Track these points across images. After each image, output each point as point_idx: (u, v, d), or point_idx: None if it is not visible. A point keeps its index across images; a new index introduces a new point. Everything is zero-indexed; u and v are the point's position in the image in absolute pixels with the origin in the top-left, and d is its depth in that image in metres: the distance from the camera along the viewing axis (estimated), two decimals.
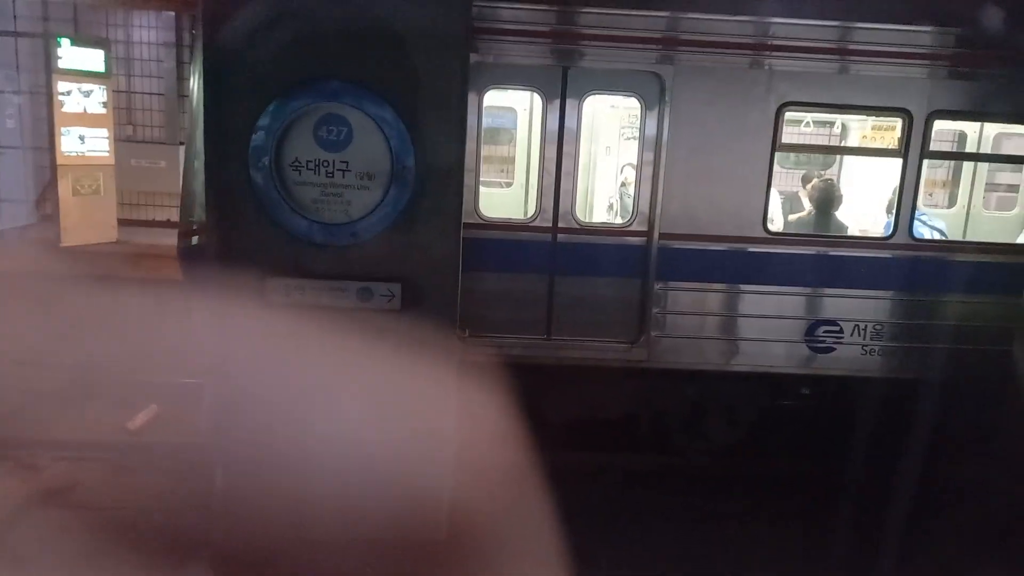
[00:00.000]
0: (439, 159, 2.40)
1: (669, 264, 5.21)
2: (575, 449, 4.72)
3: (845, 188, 6.54)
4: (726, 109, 5.05)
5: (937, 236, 6.03)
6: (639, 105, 5.04)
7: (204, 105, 2.40)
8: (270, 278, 2.41)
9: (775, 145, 5.19)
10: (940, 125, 5.72)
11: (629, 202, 5.37)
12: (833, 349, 5.47)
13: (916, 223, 5.67)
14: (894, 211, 5.45)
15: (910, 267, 5.45)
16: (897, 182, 5.41)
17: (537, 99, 5.06)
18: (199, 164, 5.10)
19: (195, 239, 4.36)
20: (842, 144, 7.32)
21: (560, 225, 5.05)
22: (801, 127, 6.78)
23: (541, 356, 5.14)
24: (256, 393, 2.41)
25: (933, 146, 5.45)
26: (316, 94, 2.34)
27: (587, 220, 5.58)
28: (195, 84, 5.08)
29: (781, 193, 6.52)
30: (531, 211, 5.08)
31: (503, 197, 5.86)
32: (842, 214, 6.12)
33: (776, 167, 5.34)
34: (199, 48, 5.25)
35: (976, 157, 6.75)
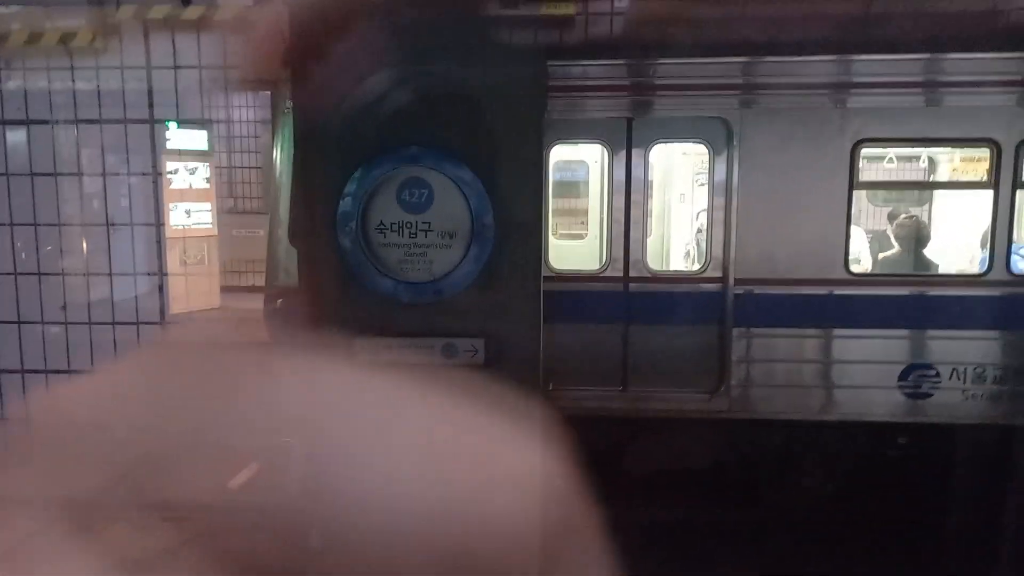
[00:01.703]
0: (517, 215, 2.45)
1: (747, 310, 5.07)
2: (657, 504, 4.68)
3: (936, 225, 6.27)
4: (797, 150, 4.94)
5: None
6: (707, 151, 5.02)
7: (293, 175, 2.53)
8: (359, 338, 2.49)
9: (852, 184, 5.02)
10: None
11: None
12: (930, 395, 5.13)
13: (1015, 257, 5.36)
14: (988, 246, 5.08)
15: (1009, 304, 5.08)
16: (989, 216, 5.12)
17: (604, 151, 5.11)
18: (282, 232, 5.36)
19: (279, 302, 4.56)
20: (929, 180, 6.99)
21: (632, 274, 5.03)
22: (885, 163, 6.55)
23: (618, 408, 5.07)
24: (346, 450, 2.49)
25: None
26: (398, 159, 2.44)
27: (659, 268, 5.50)
28: (277, 156, 5.36)
29: (866, 233, 6.28)
30: (602, 262, 5.07)
31: (578, 249, 5.90)
32: (932, 252, 5.85)
33: (857, 206, 5.16)
34: (282, 122, 5.56)
35: None
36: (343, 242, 2.48)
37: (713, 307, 5.01)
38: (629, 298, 4.92)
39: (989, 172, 5.16)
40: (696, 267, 5.25)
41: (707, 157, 4.95)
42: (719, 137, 4.98)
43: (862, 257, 5.86)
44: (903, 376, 5.17)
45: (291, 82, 2.76)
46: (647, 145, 5.01)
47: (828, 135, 5.02)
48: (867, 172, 6.25)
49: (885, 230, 6.33)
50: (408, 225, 2.47)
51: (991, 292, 5.16)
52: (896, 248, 5.90)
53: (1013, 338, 5.14)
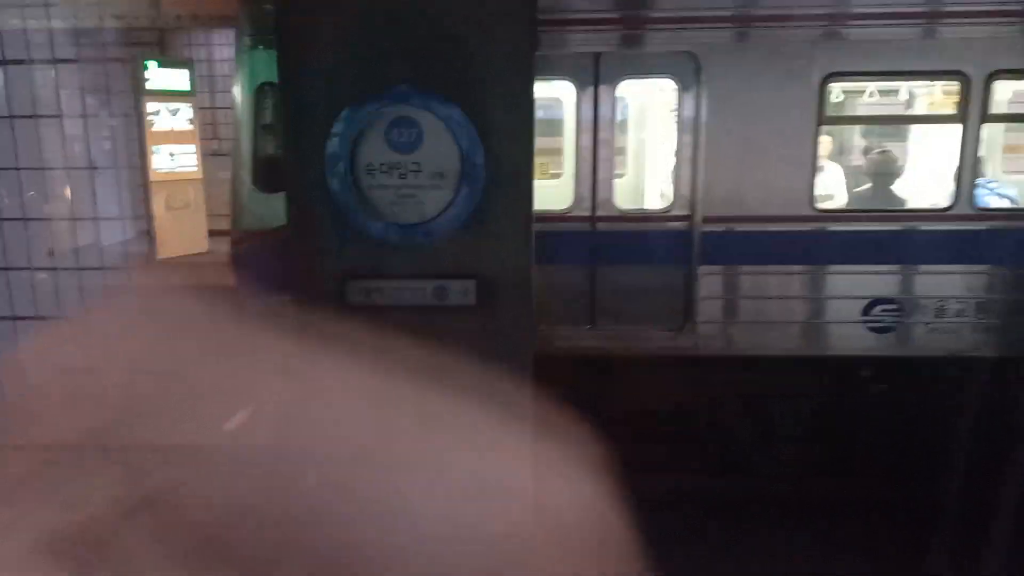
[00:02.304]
0: (508, 156, 2.42)
1: (713, 248, 5.05)
2: (627, 441, 4.73)
3: (906, 159, 6.17)
4: (765, 85, 4.86)
5: (1007, 205, 5.65)
6: (675, 86, 4.92)
7: (282, 116, 2.49)
8: (350, 280, 2.48)
9: (820, 119, 4.92)
10: (1003, 86, 5.36)
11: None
12: (892, 328, 5.13)
13: (980, 192, 5.29)
14: (954, 180, 5.05)
15: (972, 239, 5.10)
16: (957, 150, 4.98)
17: (572, 88, 4.99)
18: (245, 174, 5.24)
19: (245, 246, 4.47)
20: (898, 114, 6.82)
21: (599, 214, 4.96)
22: (863, 97, 6.46)
23: (587, 347, 5.07)
24: (337, 392, 2.49)
25: (995, 109, 5.05)
26: (386, 98, 2.40)
27: (628, 207, 5.41)
28: (237, 95, 5.19)
29: (836, 168, 6.19)
30: (570, 201, 4.98)
31: (553, 189, 5.80)
32: (901, 187, 5.74)
33: (827, 140, 5.07)
34: (242, 60, 5.37)
35: None
36: (332, 183, 2.45)
37: (680, 246, 4.97)
38: (596, 237, 4.89)
39: (958, 105, 5.07)
40: (664, 206, 5.19)
41: (675, 93, 4.90)
42: (687, 72, 4.87)
43: (829, 193, 5.81)
44: (867, 311, 5.20)
45: (275, 21, 2.68)
46: (614, 81, 4.89)
47: (796, 69, 4.92)
48: (837, 107, 6.19)
49: (856, 165, 6.36)
50: (398, 165, 2.44)
51: (955, 227, 5.11)
52: (866, 184, 5.87)
53: (975, 272, 5.16)
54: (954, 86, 5.07)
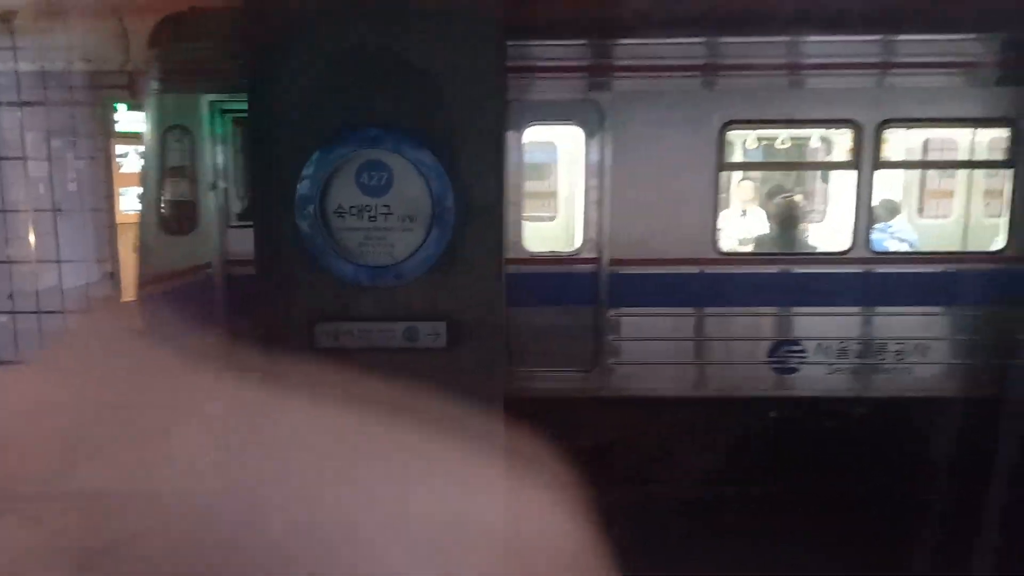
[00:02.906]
0: (478, 197, 2.44)
1: (620, 289, 5.17)
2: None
3: (807, 204, 6.40)
4: (667, 132, 5.03)
5: (905, 248, 5.82)
6: (581, 133, 5.07)
7: (252, 157, 2.48)
8: (319, 322, 2.46)
9: (720, 164, 5.01)
10: (894, 134, 5.60)
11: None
12: (797, 369, 5.23)
13: (878, 235, 5.48)
14: (851, 224, 5.21)
15: (869, 281, 5.22)
16: (853, 195, 5.16)
17: None
18: (151, 217, 5.32)
19: (152, 288, 4.51)
20: (797, 160, 7.04)
21: (508, 256, 5.10)
22: (763, 144, 6.69)
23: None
24: (304, 435, 2.45)
25: (887, 155, 5.32)
26: (357, 141, 2.41)
27: (536, 250, 5.52)
28: (144, 135, 5.27)
29: (740, 212, 6.38)
30: None
31: None
32: (803, 231, 5.87)
33: (730, 186, 5.27)
34: (149, 102, 5.46)
35: (932, 165, 6.73)
36: (302, 226, 2.44)
37: (588, 288, 5.08)
38: (507, 279, 4.95)
39: (851, 153, 5.21)
40: (572, 249, 5.29)
41: (582, 139, 5.02)
42: (591, 119, 5.03)
43: (733, 236, 5.99)
44: (772, 352, 5.26)
45: (247, 64, 2.70)
46: (521, 127, 5.03)
47: (696, 117, 5.09)
48: (737, 153, 6.39)
49: (759, 210, 6.40)
50: (368, 208, 2.44)
51: (853, 269, 5.26)
52: (769, 228, 5.97)
53: (873, 314, 5.30)
54: (848, 134, 5.30)
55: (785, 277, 5.29)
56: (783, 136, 6.71)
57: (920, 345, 5.27)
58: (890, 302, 5.29)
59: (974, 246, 6.02)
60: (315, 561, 2.34)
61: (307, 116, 2.44)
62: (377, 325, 2.46)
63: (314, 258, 2.45)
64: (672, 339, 5.30)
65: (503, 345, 2.53)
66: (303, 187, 2.42)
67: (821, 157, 6.78)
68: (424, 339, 2.45)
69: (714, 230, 5.16)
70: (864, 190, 5.16)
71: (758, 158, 7.00)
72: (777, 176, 7.21)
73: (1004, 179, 5.37)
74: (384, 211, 2.43)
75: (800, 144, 6.90)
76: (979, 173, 6.35)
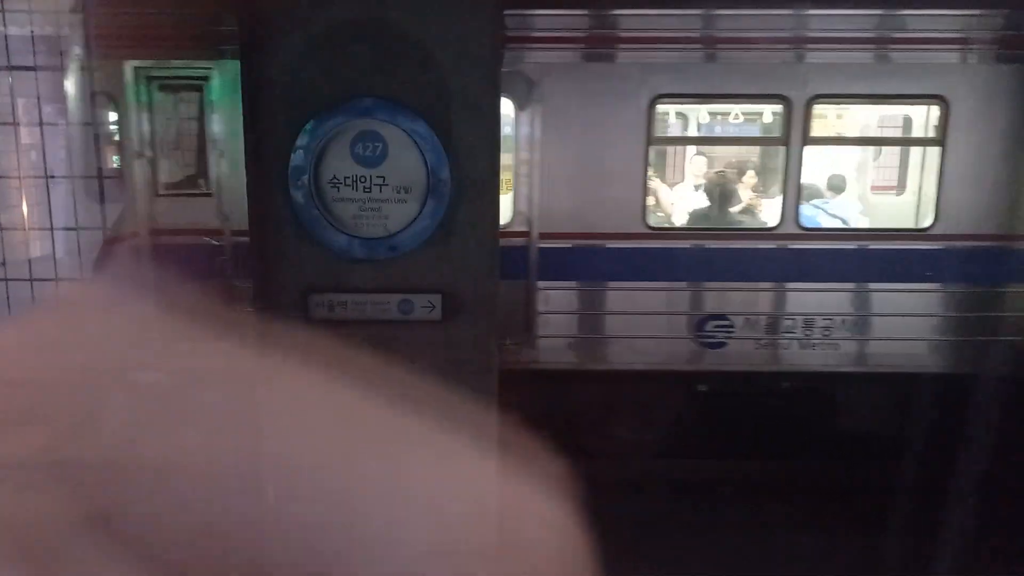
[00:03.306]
0: (473, 170, 2.42)
1: (549, 264, 5.19)
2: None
3: (740, 180, 6.22)
4: (596, 105, 5.00)
5: (837, 225, 5.83)
6: (511, 105, 5.03)
7: (244, 127, 2.45)
8: (312, 294, 2.45)
9: (649, 139, 5.01)
10: (824, 110, 5.59)
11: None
12: (725, 344, 5.26)
13: (812, 212, 5.54)
14: (780, 200, 5.23)
15: (798, 257, 5.23)
16: (782, 171, 5.18)
17: None
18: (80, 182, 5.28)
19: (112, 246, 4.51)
20: (727, 135, 7.06)
21: None
22: (693, 118, 6.65)
23: None
24: (297, 407, 2.46)
25: (816, 132, 5.32)
26: (351, 112, 2.38)
27: None
28: (71, 103, 5.21)
29: (668, 187, 6.42)
30: None
31: None
32: (734, 206, 5.89)
33: (659, 159, 5.26)
34: (75, 69, 5.39)
35: (862, 142, 6.60)
36: (296, 196, 2.42)
37: (519, 261, 5.08)
38: None
39: (781, 128, 5.16)
40: (503, 222, 5.30)
41: (512, 112, 4.94)
42: (520, 91, 4.99)
43: (662, 211, 6.00)
44: (700, 327, 5.29)
45: (239, 32, 2.66)
46: None
47: (625, 90, 5.02)
48: (667, 127, 6.34)
49: (692, 185, 6.36)
50: (362, 179, 2.42)
51: (781, 245, 5.27)
52: (700, 202, 5.96)
53: (801, 289, 5.31)
54: (778, 109, 5.25)
55: (714, 252, 5.30)
56: (718, 111, 6.68)
57: (847, 321, 5.32)
58: (818, 278, 5.30)
59: (906, 223, 5.96)
60: (303, 535, 2.37)
61: (300, 85, 2.40)
62: (371, 297, 2.45)
63: (308, 229, 2.43)
64: (601, 313, 5.28)
65: (496, 319, 2.53)
66: (297, 157, 2.40)
67: (754, 133, 6.77)
68: (419, 312, 2.44)
69: (643, 205, 5.14)
70: (794, 166, 5.13)
71: (691, 133, 6.98)
72: (718, 152, 7.13)
73: (934, 157, 5.40)
74: (379, 182, 2.42)
75: (735, 119, 6.86)
76: (914, 152, 6.32)
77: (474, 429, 2.48)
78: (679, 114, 6.82)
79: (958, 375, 5.19)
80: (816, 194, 6.12)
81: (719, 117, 7.06)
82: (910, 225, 5.72)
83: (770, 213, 5.68)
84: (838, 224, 5.85)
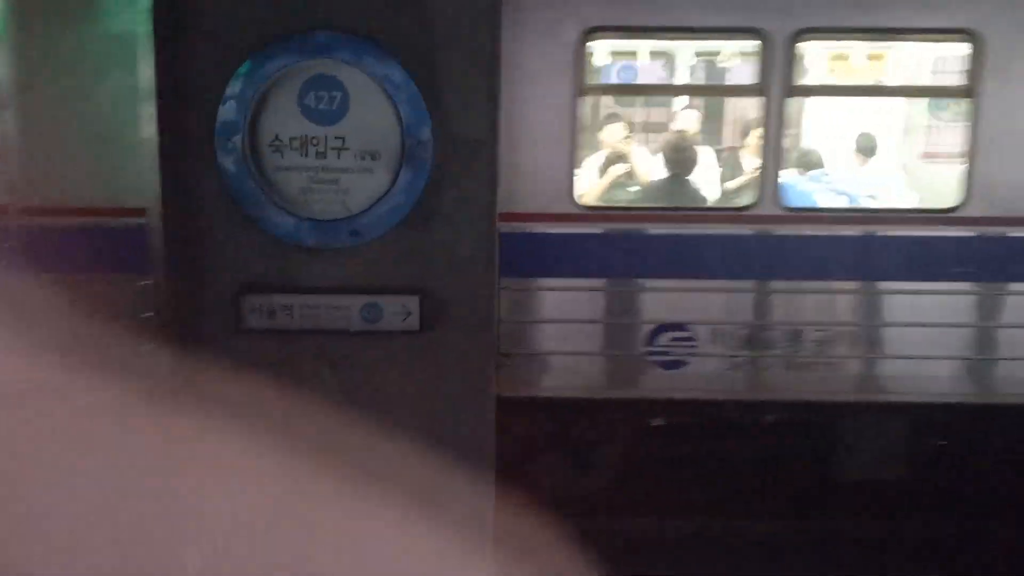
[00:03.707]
0: (465, 131, 1.84)
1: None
2: None
3: (703, 144, 4.93)
4: (507, 40, 3.96)
5: (845, 203, 4.61)
6: None
7: (155, 70, 1.83)
8: (246, 295, 1.84)
9: (580, 88, 3.85)
10: (813, 49, 4.64)
11: None
12: (685, 363, 4.07)
13: (804, 186, 4.43)
14: (758, 170, 3.98)
15: (781, 247, 4.02)
16: (759, 130, 3.98)
17: None
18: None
19: None
20: (685, 84, 5.59)
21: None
22: (639, 62, 5.25)
23: None
24: (228, 448, 1.85)
25: (803, 78, 4.22)
26: (301, 49, 1.79)
27: None
28: None
29: (605, 154, 4.85)
30: None
31: None
32: (697, 178, 4.53)
33: (592, 116, 4.25)
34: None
35: (865, 92, 5.14)
36: (224, 163, 1.82)
37: None
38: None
39: (758, 72, 3.93)
40: None
41: None
42: None
43: (597, 184, 4.65)
44: (650, 340, 4.03)
45: None
46: None
47: (545, 21, 3.83)
48: (604, 73, 5.06)
49: (639, 149, 4.99)
50: (314, 141, 1.82)
51: (760, 230, 4.04)
52: (651, 174, 4.65)
53: (787, 290, 4.09)
54: (752, 47, 4.04)
55: (668, 240, 4.06)
56: (673, 50, 5.34)
57: (850, 333, 4.16)
58: (810, 275, 4.07)
59: (924, 202, 4.79)
60: None
61: (232, 13, 1.81)
62: (326, 300, 1.86)
63: (241, 208, 1.85)
64: (514, 321, 4.03)
65: (493, 329, 1.93)
66: (226, 111, 1.81)
67: (720, 80, 5.47)
68: (389, 319, 1.85)
69: (570, 176, 3.94)
70: (773, 124, 3.90)
71: (630, 79, 5.56)
72: (676, 106, 5.61)
73: (963, 113, 4.16)
74: (336, 145, 1.83)
75: (700, 62, 5.62)
76: (933, 105, 5.17)
77: (467, 470, 1.82)
78: (619, 53, 5.48)
79: (1004, 406, 4.16)
80: (814, 162, 4.86)
81: (676, 59, 5.63)
82: (932, 205, 4.54)
83: (745, 188, 4.45)
84: (844, 202, 4.62)
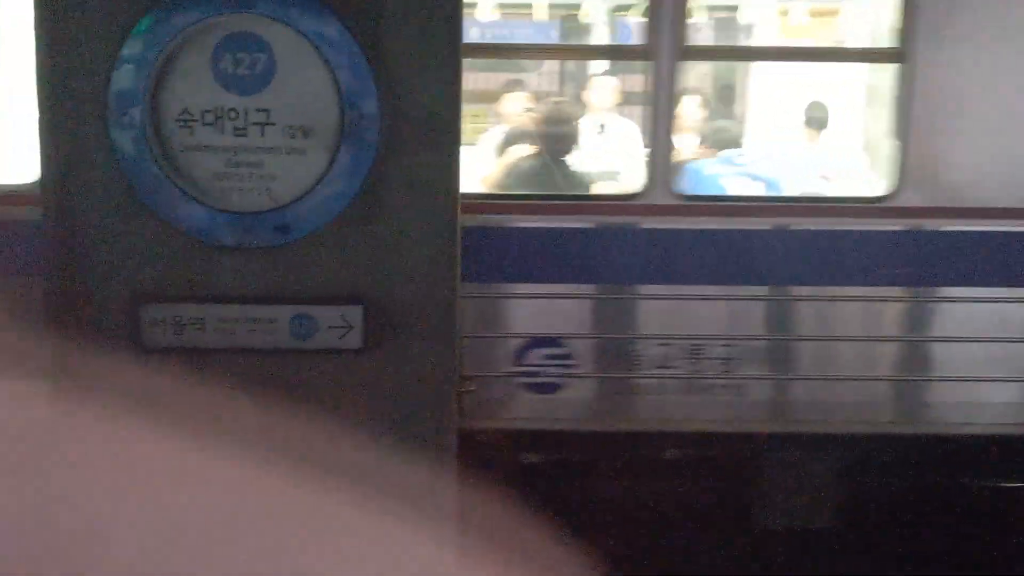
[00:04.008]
0: (420, 102, 1.52)
1: None
2: None
3: (585, 116, 4.24)
4: None
5: (762, 191, 3.97)
6: None
7: (35, 26, 1.49)
8: (146, 305, 1.50)
9: None
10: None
11: None
12: (557, 386, 3.48)
13: (711, 170, 3.81)
14: (645, 152, 3.41)
15: (676, 244, 3.42)
16: (650, 101, 3.40)
17: None
18: None
19: None
20: (547, 44, 4.98)
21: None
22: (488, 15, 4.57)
23: None
24: (127, 490, 1.52)
25: (696, 38, 3.62)
26: (213, 1, 1.46)
27: None
28: None
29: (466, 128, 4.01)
30: None
31: None
32: (572, 160, 3.89)
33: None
34: None
35: (773, 55, 4.41)
36: (120, 142, 1.51)
37: None
38: None
39: (645, 30, 3.38)
40: None
41: None
42: None
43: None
44: (518, 357, 3.42)
45: None
46: None
47: None
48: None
49: (494, 124, 4.31)
50: (232, 115, 1.51)
51: (648, 224, 3.40)
52: (518, 153, 3.93)
53: (677, 296, 3.44)
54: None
55: (534, 236, 3.45)
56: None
57: (760, 349, 3.54)
58: (711, 277, 3.45)
59: (849, 191, 4.13)
60: None
61: None
62: (247, 311, 1.55)
63: (140, 196, 1.53)
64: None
65: (455, 344, 1.61)
66: (121, 77, 1.50)
67: (596, 40, 4.78)
68: (325, 335, 1.54)
69: None
70: (663, 93, 3.31)
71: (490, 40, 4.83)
72: (544, 71, 5.00)
73: (891, 81, 3.52)
74: (260, 119, 1.52)
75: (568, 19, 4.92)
76: (860, 73, 4.40)
77: (426, 510, 1.52)
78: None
79: (950, 438, 3.53)
80: (728, 141, 4.20)
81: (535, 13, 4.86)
82: (856, 193, 3.93)
83: (629, 172, 3.81)
84: (761, 189, 3.97)
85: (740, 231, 3.44)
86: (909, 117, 3.35)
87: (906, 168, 3.39)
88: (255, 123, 1.50)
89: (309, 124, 1.51)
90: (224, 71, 1.50)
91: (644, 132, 3.42)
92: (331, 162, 1.50)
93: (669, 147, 3.34)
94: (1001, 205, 3.40)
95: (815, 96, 4.40)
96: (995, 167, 3.41)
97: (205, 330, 1.52)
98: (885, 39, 3.69)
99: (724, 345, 3.41)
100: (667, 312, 3.45)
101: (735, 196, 3.78)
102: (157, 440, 1.51)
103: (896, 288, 3.53)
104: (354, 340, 1.53)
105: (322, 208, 1.51)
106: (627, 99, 4.23)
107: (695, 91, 3.85)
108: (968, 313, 3.53)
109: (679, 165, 3.55)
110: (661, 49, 3.26)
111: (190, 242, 1.52)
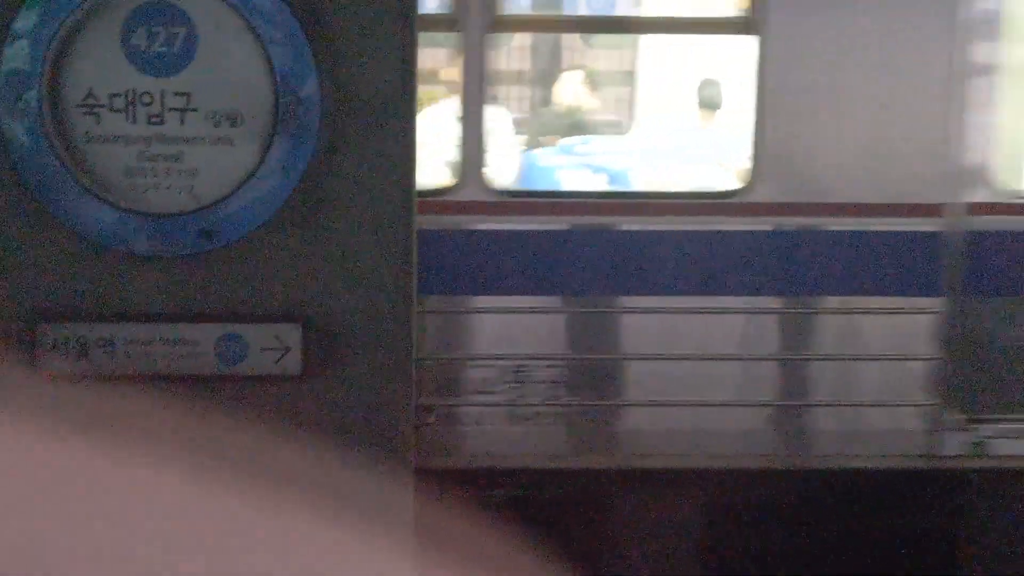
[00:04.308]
0: (369, 84, 1.32)
1: None
2: None
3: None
4: None
5: (603, 185, 3.53)
6: None
7: None
8: (44, 324, 1.29)
9: None
10: None
11: None
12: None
13: (529, 161, 3.44)
14: (457, 140, 3.01)
15: (490, 247, 3.01)
16: (460, 80, 3.03)
17: None
18: None
19: None
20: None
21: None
22: None
23: None
24: (27, 541, 1.32)
25: (508, 6, 3.20)
26: None
27: None
28: None
29: None
30: None
31: None
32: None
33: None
34: None
35: (605, 27, 3.92)
36: (12, 131, 1.29)
37: None
38: None
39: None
40: None
41: None
42: None
43: None
44: None
45: None
46: None
47: None
48: None
49: None
50: (146, 99, 1.30)
51: (457, 224, 2.97)
52: None
53: (492, 309, 3.01)
54: None
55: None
56: None
57: (596, 369, 3.07)
58: (533, 287, 3.00)
59: (696, 185, 3.69)
60: None
61: None
62: (164, 330, 1.33)
63: (36, 196, 1.32)
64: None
65: (411, 367, 1.40)
66: (13, 55, 1.29)
67: None
68: (258, 359, 1.32)
69: None
70: (473, 70, 2.93)
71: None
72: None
73: (744, 57, 3.09)
74: (179, 104, 1.30)
75: None
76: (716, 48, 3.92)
77: (382, 552, 1.27)
78: None
79: (821, 472, 3.03)
80: (569, 128, 3.68)
81: None
82: (704, 187, 3.53)
83: (440, 165, 3.36)
84: (603, 183, 3.54)
85: (560, 232, 3.01)
86: (763, 99, 2.93)
87: (759, 159, 2.98)
88: (173, 109, 1.29)
89: (237, 110, 1.29)
90: (136, 48, 1.29)
91: (457, 117, 2.97)
92: (263, 155, 1.29)
93: (482, 135, 2.93)
94: (868, 201, 3.00)
95: (706, 75, 3.93)
96: (863, 157, 2.98)
97: (115, 354, 1.30)
98: (734, 6, 3.21)
99: (550, 366, 2.99)
100: (481, 328, 3.05)
101: (559, 192, 3.33)
102: (58, 480, 1.30)
103: (749, 298, 3.07)
104: (292, 365, 1.31)
105: (253, 209, 1.30)
106: (437, 78, 3.73)
107: (520, 69, 3.42)
108: (837, 328, 3.12)
109: (498, 156, 3.11)
110: (468, 19, 2.88)
111: (96, 250, 1.30)
